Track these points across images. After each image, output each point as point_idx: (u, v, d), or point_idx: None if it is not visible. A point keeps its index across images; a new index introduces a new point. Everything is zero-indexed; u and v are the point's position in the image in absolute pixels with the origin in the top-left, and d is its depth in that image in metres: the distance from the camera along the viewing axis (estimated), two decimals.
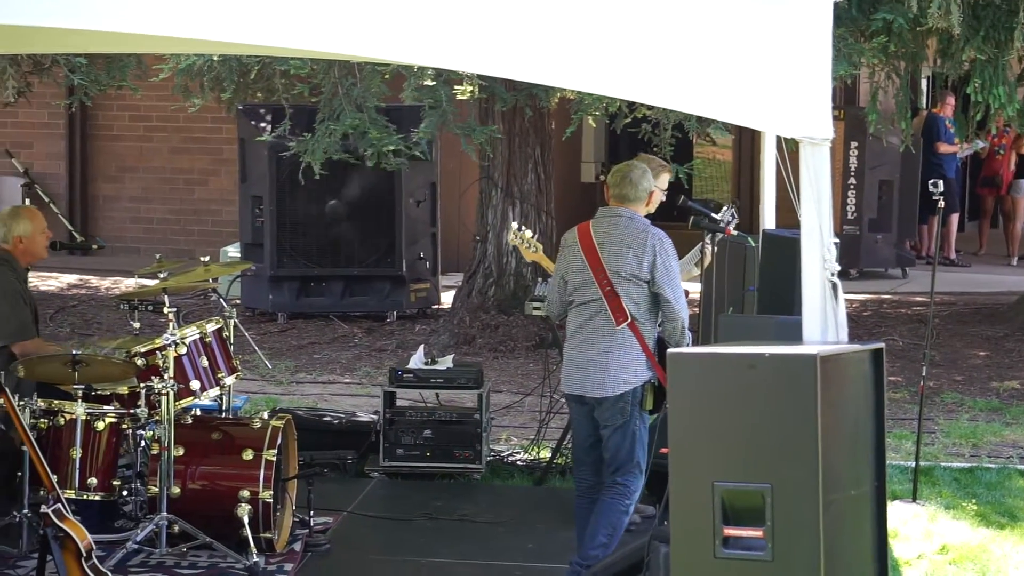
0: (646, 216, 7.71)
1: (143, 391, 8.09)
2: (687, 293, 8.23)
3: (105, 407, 8.12)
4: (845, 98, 18.29)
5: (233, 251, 15.91)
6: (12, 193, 18.76)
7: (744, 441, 5.22)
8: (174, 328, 8.21)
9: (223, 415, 8.77)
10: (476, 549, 8.42)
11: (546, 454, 9.94)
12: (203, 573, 7.84)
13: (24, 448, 7.43)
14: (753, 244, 8.95)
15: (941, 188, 9.02)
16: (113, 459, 8.07)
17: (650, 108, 12.21)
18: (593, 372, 7.50)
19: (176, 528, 7.94)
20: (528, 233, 8.76)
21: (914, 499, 9.18)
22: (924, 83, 20.13)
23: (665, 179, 8.61)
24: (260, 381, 12.27)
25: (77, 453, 7.92)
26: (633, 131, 13.09)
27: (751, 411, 5.22)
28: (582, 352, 7.56)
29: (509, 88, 12.74)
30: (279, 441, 8.14)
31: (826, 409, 5.13)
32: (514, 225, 8.96)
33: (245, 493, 7.98)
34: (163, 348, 8.13)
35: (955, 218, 19.26)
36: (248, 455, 8.08)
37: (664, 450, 5.51)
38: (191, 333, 8.33)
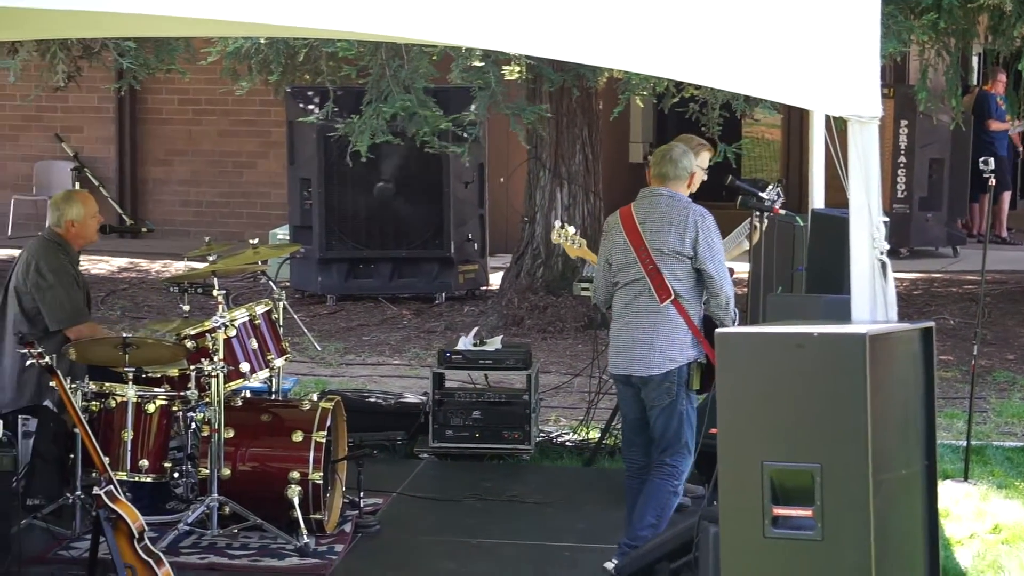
0: (688, 196, 7.71)
1: (193, 373, 8.13)
2: (732, 272, 8.21)
3: (156, 389, 8.17)
4: (895, 76, 18.18)
5: (282, 233, 15.96)
6: (62, 177, 18.86)
7: (793, 421, 5.22)
8: (224, 310, 8.25)
9: (273, 397, 8.81)
10: (525, 529, 8.44)
11: (595, 435, 9.95)
12: (254, 554, 7.89)
13: (76, 430, 7.49)
14: (802, 223, 8.91)
15: (992, 166, 8.96)
16: (164, 441, 8.13)
17: (698, 88, 12.16)
18: (639, 351, 7.51)
19: (227, 510, 7.99)
20: (571, 230, 8.75)
21: (966, 478, 9.14)
22: (975, 60, 19.99)
23: (705, 158, 8.60)
24: (309, 363, 12.31)
25: (128, 435, 7.98)
26: (681, 111, 13.05)
27: (800, 390, 5.21)
28: (627, 332, 7.56)
29: (557, 68, 12.71)
30: (329, 423, 8.18)
31: (875, 388, 5.11)
32: (557, 223, 8.96)
33: (295, 475, 8.02)
34: (213, 330, 8.18)
35: (1007, 196, 19.12)
36: (298, 437, 8.11)
37: (713, 430, 5.50)
38: (240, 315, 8.37)
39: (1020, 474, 9.29)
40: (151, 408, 8.05)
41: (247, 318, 8.41)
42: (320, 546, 7.99)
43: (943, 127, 16.46)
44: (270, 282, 9.28)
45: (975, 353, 9.42)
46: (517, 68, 12.40)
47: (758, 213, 8.70)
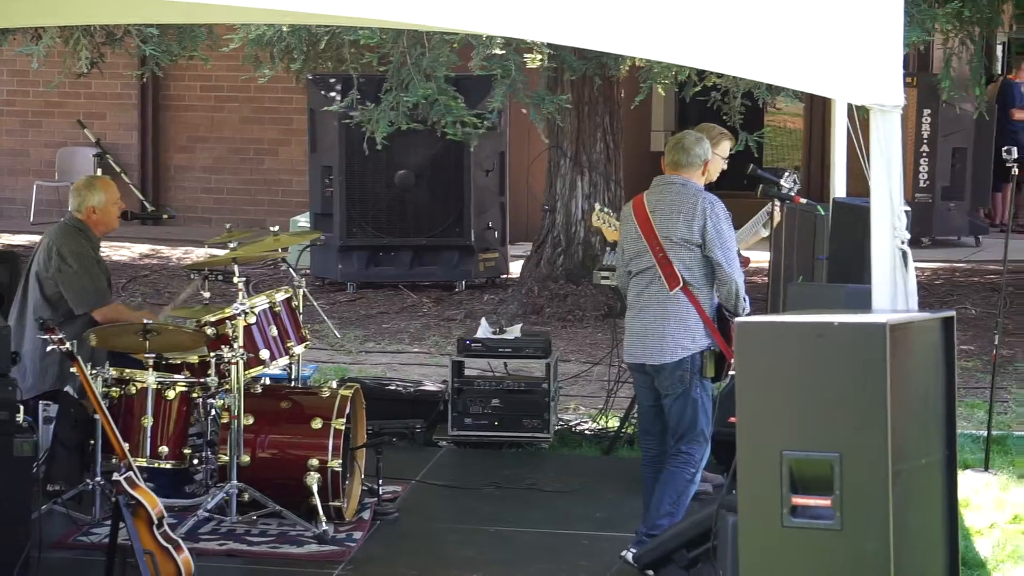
0: (705, 184, 7.70)
1: (213, 360, 8.14)
2: (748, 261, 8.19)
3: (176, 376, 8.18)
4: (918, 65, 18.12)
5: (303, 221, 15.97)
6: (85, 163, 18.92)
7: (812, 410, 5.20)
8: (244, 297, 8.25)
9: (292, 384, 8.81)
10: (544, 518, 8.44)
11: (614, 423, 9.94)
12: (273, 541, 7.90)
13: (97, 417, 7.50)
14: (823, 212, 8.88)
15: (1015, 155, 8.93)
16: (184, 428, 8.14)
17: (720, 76, 12.14)
18: (651, 340, 7.51)
19: (246, 496, 8.00)
20: (610, 213, 8.75)
21: (986, 468, 9.11)
22: (999, 49, 19.91)
23: (726, 147, 8.57)
24: (329, 350, 12.32)
25: (148, 422, 7.99)
26: (702, 99, 13.02)
27: (820, 380, 5.20)
28: (640, 321, 7.57)
29: (578, 57, 12.69)
30: (348, 410, 8.18)
31: (895, 378, 5.10)
32: (596, 206, 8.94)
33: (314, 462, 8.02)
34: (233, 317, 8.18)
35: None
36: (317, 424, 8.11)
37: (732, 419, 5.49)
38: (261, 302, 8.38)
39: None
40: (171, 395, 8.06)
41: (267, 305, 8.41)
42: (339, 533, 7.99)
43: (966, 116, 16.41)
44: (290, 269, 9.27)
45: (996, 343, 9.39)
46: (539, 56, 12.37)
47: (776, 201, 8.70)
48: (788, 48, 5.40)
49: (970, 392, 10.96)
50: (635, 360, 7.64)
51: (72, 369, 7.18)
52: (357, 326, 13.62)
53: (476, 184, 15.02)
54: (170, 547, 6.77)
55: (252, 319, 8.28)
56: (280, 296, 8.54)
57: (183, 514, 8.00)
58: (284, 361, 8.54)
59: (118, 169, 18.97)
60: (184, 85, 19.47)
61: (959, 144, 17.65)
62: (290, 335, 8.52)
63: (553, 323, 13.40)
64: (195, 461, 8.24)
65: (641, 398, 7.82)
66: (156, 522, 6.75)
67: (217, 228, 13.05)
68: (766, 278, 8.94)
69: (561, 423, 10.10)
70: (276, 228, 9.00)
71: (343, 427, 8.11)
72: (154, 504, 6.79)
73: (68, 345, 7.02)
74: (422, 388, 10.31)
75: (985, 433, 9.34)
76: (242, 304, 8.20)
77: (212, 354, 8.16)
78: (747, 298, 7.55)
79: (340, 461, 8.05)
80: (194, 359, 8.37)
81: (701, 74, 12.31)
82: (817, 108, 18.83)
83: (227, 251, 8.65)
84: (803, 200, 9.06)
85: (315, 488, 7.97)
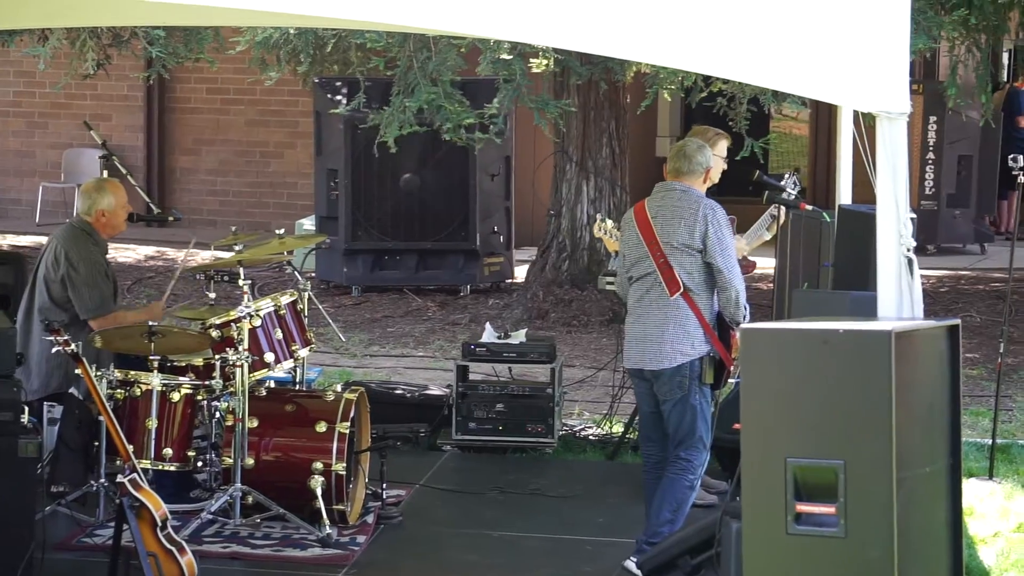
0: (709, 188, 7.72)
1: (218, 363, 8.14)
2: (753, 266, 8.18)
3: (180, 378, 8.18)
4: (924, 72, 18.10)
5: (308, 224, 15.97)
6: (91, 165, 18.88)
7: (817, 417, 5.20)
8: (249, 300, 8.26)
9: (297, 387, 8.81)
10: (547, 523, 8.44)
11: (618, 429, 9.94)
12: (276, 544, 7.90)
13: (101, 418, 7.50)
14: (829, 219, 8.89)
15: (1021, 163, 8.92)
16: (188, 430, 8.14)
17: (726, 82, 12.14)
18: (650, 345, 7.51)
19: (250, 499, 8.00)
20: (610, 223, 8.75)
21: (991, 477, 9.10)
22: (1005, 56, 19.90)
23: (723, 146, 8.56)
24: (334, 354, 12.33)
25: (153, 424, 7.99)
26: (708, 105, 13.02)
27: (824, 387, 5.19)
28: (640, 326, 7.57)
29: (584, 62, 12.69)
30: (352, 414, 8.18)
31: (900, 385, 5.10)
32: (598, 216, 8.94)
33: (318, 465, 8.02)
34: (238, 320, 8.18)
35: None
36: (321, 427, 8.11)
37: (736, 425, 5.49)
38: (266, 305, 8.38)
39: None
40: (176, 397, 8.07)
41: (272, 308, 8.41)
42: (342, 537, 7.99)
43: (972, 124, 16.39)
44: (296, 272, 9.28)
45: (1001, 351, 9.38)
46: (545, 61, 12.38)
47: (778, 206, 8.71)
48: (794, 54, 5.40)
49: (975, 400, 10.95)
50: (634, 365, 7.65)
51: (77, 371, 7.19)
52: (362, 330, 13.62)
53: (481, 188, 15.02)
54: (174, 549, 6.78)
55: (257, 322, 8.28)
56: (285, 299, 8.54)
57: (187, 516, 8.00)
58: (289, 364, 8.55)
59: (124, 171, 18.85)
60: (190, 87, 19.48)
61: (965, 152, 17.63)
62: (295, 338, 8.52)
63: (558, 328, 13.39)
64: (199, 463, 8.24)
65: (641, 404, 7.82)
66: (160, 524, 6.76)
67: (223, 230, 13.03)
68: (771, 284, 8.94)
69: (565, 428, 10.10)
70: (281, 231, 9.00)
71: (347, 431, 8.11)
72: (158, 506, 6.79)
73: (73, 347, 7.03)
74: (427, 392, 10.30)
75: (990, 441, 9.33)
76: (247, 307, 8.20)
77: (217, 357, 8.16)
78: (747, 306, 7.54)
79: (344, 465, 8.05)
80: (199, 361, 8.37)
81: (707, 80, 12.30)
82: (823, 114, 18.83)
83: (233, 253, 8.65)
84: (808, 207, 9.07)
85: (319, 491, 7.97)
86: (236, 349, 8.09)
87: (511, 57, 11.94)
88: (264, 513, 8.00)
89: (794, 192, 8.91)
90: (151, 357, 8.03)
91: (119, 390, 8.01)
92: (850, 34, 5.36)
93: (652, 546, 7.38)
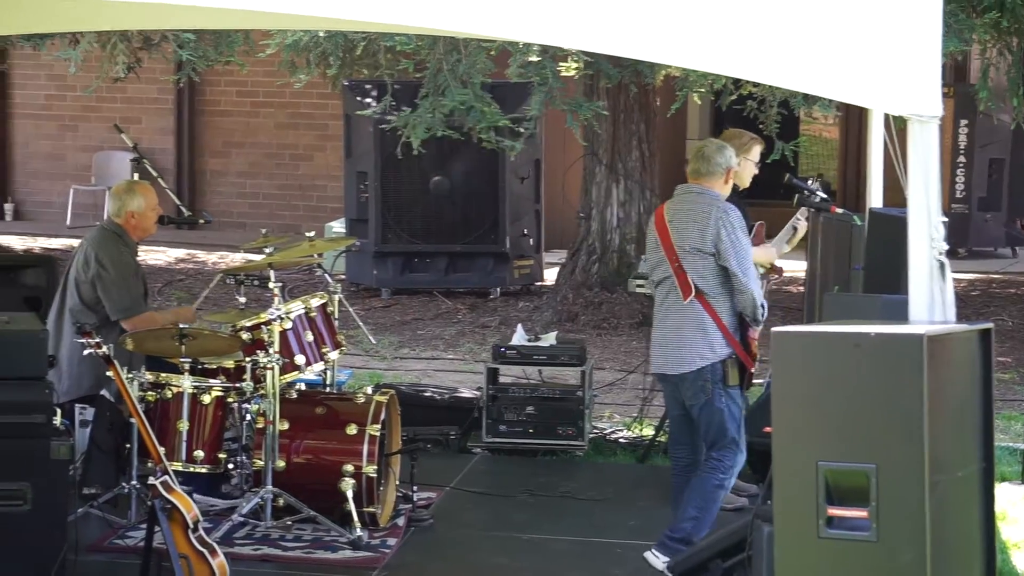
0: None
1: (249, 365, 8.16)
2: (781, 271, 8.15)
3: (211, 381, 8.20)
4: (955, 75, 18.05)
5: (338, 226, 16.00)
6: (121, 167, 18.96)
7: (849, 421, 5.19)
8: (279, 303, 8.27)
9: (327, 390, 8.83)
10: (578, 526, 8.44)
11: (649, 431, 9.93)
12: (307, 546, 7.91)
13: (133, 420, 7.53)
14: (859, 222, 8.86)
15: None
16: (219, 432, 8.16)
17: (756, 85, 12.12)
18: (670, 349, 7.52)
19: (281, 501, 8.01)
20: None
21: (1023, 481, 9.07)
22: None
23: (757, 151, 8.55)
24: (364, 356, 12.34)
25: (184, 426, 8.02)
26: (738, 108, 13.01)
27: (856, 390, 5.18)
28: (660, 330, 7.59)
29: (614, 65, 12.69)
30: (383, 416, 8.19)
31: (933, 389, 5.08)
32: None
33: (349, 467, 8.04)
34: (268, 323, 8.20)
35: None
36: (352, 430, 8.13)
37: (767, 429, 5.48)
38: (296, 308, 8.39)
39: None
40: (207, 399, 8.09)
41: (303, 311, 8.43)
42: (373, 539, 8.00)
43: (1003, 127, 16.34)
44: (326, 275, 9.29)
45: None
46: (575, 64, 12.38)
47: (802, 210, 8.70)
48: (825, 57, 5.39)
49: (1007, 404, 10.91)
50: (658, 370, 7.67)
51: (109, 373, 7.22)
52: (392, 332, 13.64)
53: (511, 191, 15.03)
54: (205, 551, 6.79)
55: (288, 324, 8.30)
56: (315, 301, 8.55)
57: (218, 518, 8.02)
58: (319, 366, 8.56)
59: (154, 174, 18.91)
60: (220, 90, 19.54)
61: (996, 155, 17.57)
62: (325, 340, 8.54)
63: (588, 331, 13.39)
64: (230, 466, 8.26)
65: (669, 407, 7.84)
66: (191, 526, 6.78)
67: (252, 233, 13.08)
68: (802, 287, 8.91)
69: (596, 431, 10.09)
70: (312, 233, 9.02)
71: (378, 433, 8.13)
72: (189, 508, 6.81)
73: (105, 349, 7.05)
74: (457, 395, 10.31)
75: (1022, 446, 9.29)
76: (278, 309, 8.22)
77: (248, 359, 8.18)
78: (765, 304, 7.50)
79: (375, 467, 8.07)
80: (230, 364, 8.39)
81: (737, 83, 12.29)
82: (853, 118, 18.79)
83: (263, 256, 8.67)
84: (839, 210, 9.04)
85: (350, 494, 7.99)
86: (267, 352, 8.10)
87: (540, 59, 11.94)
88: (295, 515, 8.02)
89: (817, 192, 8.88)
90: (182, 360, 8.06)
91: (150, 392, 8.04)
92: (881, 37, 5.35)
93: (673, 540, 7.38)
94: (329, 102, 18.06)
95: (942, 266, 5.39)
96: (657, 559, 7.46)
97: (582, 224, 14.31)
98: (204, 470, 8.09)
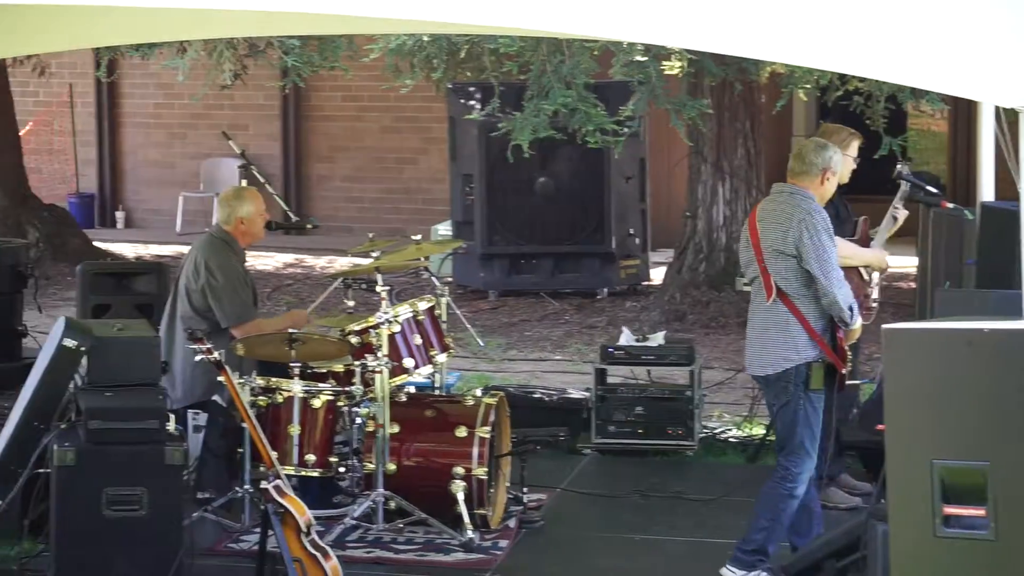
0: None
1: (358, 369, 8.21)
2: (884, 271, 8.04)
3: (321, 385, 8.27)
4: None
5: (444, 229, 16.05)
6: (230, 174, 19.12)
7: (962, 418, 5.13)
8: (387, 306, 8.32)
9: (436, 392, 8.86)
10: (689, 526, 8.42)
11: (759, 431, 9.88)
12: (419, 549, 7.95)
13: (245, 425, 7.60)
14: (971, 217, 8.77)
15: None
16: (330, 436, 8.22)
17: (862, 80, 12.02)
18: (754, 350, 7.46)
19: (392, 504, 8.06)
20: None
21: None
22: None
23: (855, 147, 8.47)
24: (472, 358, 12.36)
25: (295, 430, 8.08)
26: (844, 104, 12.89)
27: (969, 387, 5.12)
28: (749, 330, 7.54)
29: (718, 63, 12.63)
30: (492, 418, 8.21)
31: None
32: None
33: (459, 470, 8.06)
34: (377, 326, 8.25)
35: None
36: (462, 432, 8.15)
37: (880, 427, 5.44)
38: (404, 311, 8.44)
39: None
40: (317, 403, 8.15)
41: (411, 314, 8.46)
42: (485, 541, 8.02)
43: None
44: (433, 278, 9.34)
45: None
46: (678, 63, 12.33)
47: (900, 203, 8.62)
48: (933, 50, 5.33)
49: None
50: (748, 370, 7.65)
51: (220, 379, 7.29)
52: (499, 334, 13.66)
53: (616, 191, 15.00)
54: (318, 554, 6.84)
55: (396, 328, 8.34)
56: (423, 305, 8.59)
57: (330, 522, 8.08)
58: (428, 369, 8.60)
59: (262, 180, 19.04)
60: (325, 96, 19.65)
61: None
62: (433, 343, 8.57)
63: (696, 330, 13.33)
64: (341, 469, 8.31)
65: (768, 406, 7.77)
66: (304, 530, 6.83)
67: (359, 237, 13.13)
68: (913, 283, 8.82)
69: (705, 431, 10.06)
70: (418, 237, 9.06)
71: (488, 435, 8.15)
72: (302, 512, 6.86)
73: (217, 355, 7.12)
74: (566, 396, 10.32)
75: None
76: (386, 313, 8.26)
77: (357, 363, 8.23)
78: (855, 306, 7.31)
79: (485, 469, 8.09)
80: (339, 368, 8.45)
81: (843, 78, 12.18)
82: (962, 111, 18.57)
83: (370, 260, 8.72)
84: (950, 204, 8.95)
85: (460, 496, 8.02)
86: (376, 355, 8.15)
87: (645, 59, 11.91)
88: (407, 518, 8.06)
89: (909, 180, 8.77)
90: (292, 364, 8.12)
91: (261, 397, 8.11)
92: (990, 28, 5.28)
93: (746, 552, 7.34)
94: (433, 105, 18.11)
95: None
96: (732, 574, 7.40)
97: (688, 223, 14.26)
98: (316, 474, 8.16)
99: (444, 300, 8.87)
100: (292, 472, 7.99)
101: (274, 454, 7.16)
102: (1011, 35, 5.28)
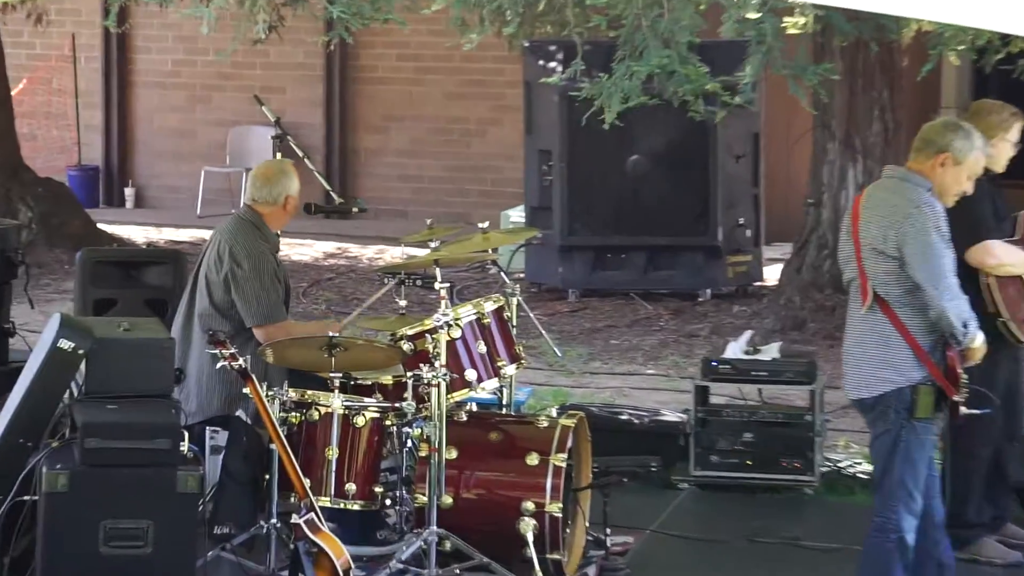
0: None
1: (410, 381, 8.20)
2: None
3: (366, 400, 8.26)
4: None
5: (516, 216, 16.07)
6: (262, 145, 19.18)
7: None
8: (447, 307, 8.30)
9: (503, 411, 8.85)
10: None
11: None
12: None
13: (273, 446, 7.59)
14: None
15: None
16: (374, 462, 8.21)
17: None
18: (849, 367, 7.37)
19: (447, 545, 8.05)
20: None
21: None
22: None
23: (1017, 129, 8.31)
24: (547, 371, 12.38)
25: (333, 454, 8.07)
26: (1006, 69, 12.79)
27: None
28: (844, 343, 7.44)
29: (851, 19, 12.56)
30: (569, 444, 8.19)
31: None
32: None
33: (529, 505, 8.05)
34: (434, 331, 8.23)
35: None
36: (533, 460, 8.14)
37: None
38: (466, 313, 8.43)
39: None
40: (360, 422, 8.14)
41: (474, 316, 8.46)
42: None
43: None
44: (501, 273, 9.33)
45: None
46: (802, 19, 12.27)
47: None
48: None
49: None
50: (845, 392, 7.51)
51: (245, 390, 7.30)
52: (580, 342, 13.67)
53: (725, 172, 14.98)
54: None
55: (456, 333, 8.33)
56: (489, 306, 8.58)
57: (373, 564, 8.07)
58: (493, 383, 8.58)
59: (300, 153, 19.07)
60: (377, 54, 19.73)
61: None
62: (500, 352, 8.56)
63: (818, 341, 13.28)
64: (387, 502, 8.31)
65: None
66: (341, 574, 6.82)
67: (416, 223, 13.16)
68: None
69: (828, 463, 10.03)
70: (485, 224, 9.04)
71: (564, 464, 8.13)
72: (339, 553, 6.86)
73: (241, 362, 7.12)
74: (658, 418, 10.32)
75: None
76: (445, 315, 8.25)
77: (409, 374, 8.22)
78: (971, 321, 7.11)
79: (560, 505, 8.07)
80: (387, 380, 8.46)
81: (1005, 38, 12.09)
82: None
83: (428, 251, 8.71)
84: None
85: (530, 537, 8.00)
86: (431, 365, 8.13)
87: (760, 15, 11.84)
88: (464, 562, 8.05)
89: None
90: (331, 374, 8.11)
91: (294, 413, 8.10)
92: None
93: None
94: (506, 67, 18.14)
95: None
96: None
97: (811, 212, 14.21)
98: (356, 506, 8.15)
99: (515, 300, 8.86)
100: (328, 504, 7.98)
101: (307, 482, 7.15)
102: None
